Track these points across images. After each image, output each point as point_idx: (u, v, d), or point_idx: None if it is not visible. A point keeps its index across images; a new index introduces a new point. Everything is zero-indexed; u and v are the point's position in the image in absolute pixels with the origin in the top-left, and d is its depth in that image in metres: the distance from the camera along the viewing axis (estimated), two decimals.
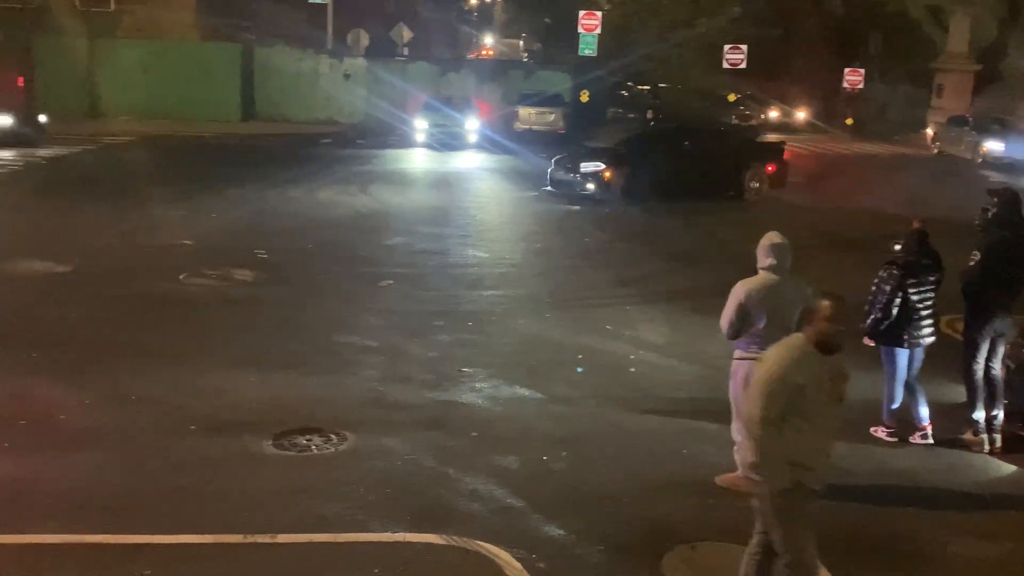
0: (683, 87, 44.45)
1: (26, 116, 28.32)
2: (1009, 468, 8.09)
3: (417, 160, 29.02)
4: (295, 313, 11.89)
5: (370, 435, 8.15)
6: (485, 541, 6.43)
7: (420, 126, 31.69)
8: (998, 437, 8.36)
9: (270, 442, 7.91)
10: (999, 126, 32.28)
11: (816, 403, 5.20)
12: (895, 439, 8.39)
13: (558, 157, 23.08)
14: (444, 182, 24.57)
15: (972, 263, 8.38)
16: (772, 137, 30.48)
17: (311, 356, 10.26)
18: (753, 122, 42.37)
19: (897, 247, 8.42)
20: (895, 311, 8.11)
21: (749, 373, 7.15)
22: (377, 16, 44.33)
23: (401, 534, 6.51)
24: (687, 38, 42.27)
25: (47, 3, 35.07)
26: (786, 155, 24.03)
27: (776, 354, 5.32)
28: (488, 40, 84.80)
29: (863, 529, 6.89)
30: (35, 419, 8.21)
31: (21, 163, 24.58)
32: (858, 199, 23.06)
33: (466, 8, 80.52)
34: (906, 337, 8.21)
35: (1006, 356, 8.46)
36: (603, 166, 21.46)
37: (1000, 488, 7.79)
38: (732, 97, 42.38)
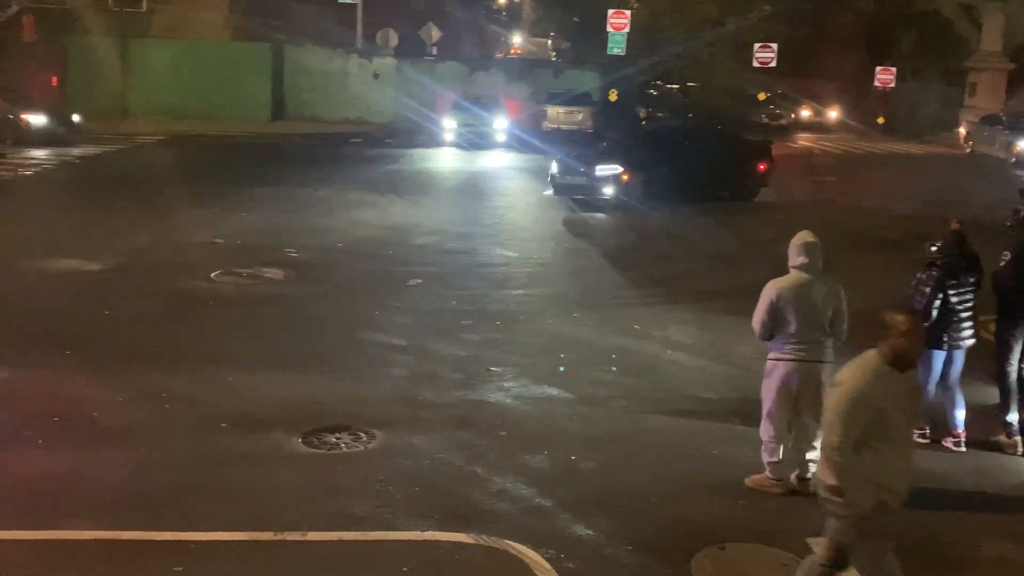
0: (713, 86, 44.27)
1: (60, 116, 28.68)
2: None
3: (446, 160, 29.08)
4: (325, 312, 11.95)
5: (399, 433, 8.17)
6: (514, 540, 6.43)
7: (449, 125, 31.76)
8: None
9: (300, 440, 7.96)
10: None
11: (896, 422, 5.07)
12: (927, 441, 8.31)
13: (560, 157, 21.88)
14: (472, 181, 24.60)
15: (1003, 263, 8.29)
16: (803, 137, 30.26)
17: (340, 354, 10.31)
18: (783, 121, 42.17)
19: (933, 248, 8.32)
20: (935, 313, 7.99)
21: (788, 375, 7.11)
22: (406, 16, 44.44)
23: (430, 533, 6.53)
24: (717, 37, 42.10)
25: (80, 4, 35.40)
26: (773, 153, 23.37)
27: (852, 376, 5.09)
28: (516, 39, 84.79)
29: (904, 531, 6.82)
30: (69, 416, 8.29)
31: (55, 162, 24.85)
32: (889, 198, 22.89)
33: (495, 7, 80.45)
34: (946, 339, 8.11)
35: None
36: (620, 168, 20.30)
37: None
38: (762, 96, 42.23)
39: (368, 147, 30.83)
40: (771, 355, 7.26)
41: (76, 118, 28.89)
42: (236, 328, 11.15)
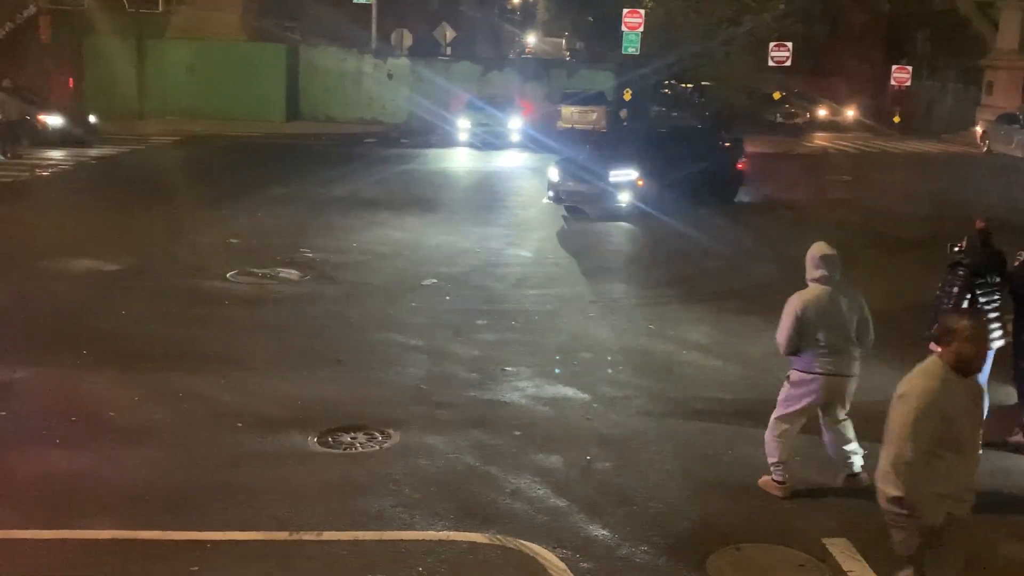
0: (728, 85, 44.18)
1: (77, 117, 28.83)
2: None
3: (460, 159, 29.10)
4: (340, 311, 11.98)
5: (414, 433, 8.18)
6: (529, 540, 6.43)
7: (463, 125, 31.78)
8: None
9: (316, 439, 7.98)
10: None
11: (964, 430, 4.91)
12: None
13: (560, 160, 20.33)
14: (487, 181, 24.61)
15: (1018, 263, 8.24)
16: (819, 137, 30.11)
17: (356, 354, 10.33)
18: (799, 120, 42.05)
19: (956, 249, 8.25)
20: None
21: (815, 389, 7.05)
22: (420, 16, 44.48)
23: (445, 532, 6.53)
24: (732, 36, 41.99)
25: (97, 5, 35.58)
26: (746, 150, 22.47)
27: (919, 384, 4.90)
28: (531, 39, 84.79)
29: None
30: (86, 416, 8.33)
31: (71, 163, 24.98)
32: (905, 199, 22.79)
33: (509, 7, 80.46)
34: None
35: None
36: (636, 173, 18.96)
37: None
38: (777, 95, 42.08)
39: (383, 147, 30.88)
40: (798, 366, 7.13)
41: (92, 119, 29.06)
42: (252, 328, 11.19)
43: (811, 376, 7.04)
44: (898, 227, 18.91)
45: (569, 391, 9.40)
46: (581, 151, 21.32)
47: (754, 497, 7.20)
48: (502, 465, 7.64)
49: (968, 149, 35.66)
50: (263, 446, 7.90)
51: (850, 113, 45.47)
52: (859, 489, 7.04)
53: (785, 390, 7.26)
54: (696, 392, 9.52)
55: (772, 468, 7.27)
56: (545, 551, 6.30)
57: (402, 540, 6.45)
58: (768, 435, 7.29)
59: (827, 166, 30.69)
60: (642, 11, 38.76)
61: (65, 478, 7.16)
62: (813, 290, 7.05)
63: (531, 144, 30.61)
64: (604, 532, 6.62)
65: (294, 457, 7.71)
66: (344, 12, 40.33)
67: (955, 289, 7.93)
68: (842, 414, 7.21)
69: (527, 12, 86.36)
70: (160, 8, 37.70)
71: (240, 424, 8.29)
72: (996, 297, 8.12)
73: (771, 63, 39.72)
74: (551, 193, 19.54)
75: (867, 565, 6.21)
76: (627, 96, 36.97)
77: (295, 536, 6.43)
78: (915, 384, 4.92)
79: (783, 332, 7.03)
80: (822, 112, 45.37)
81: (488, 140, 30.90)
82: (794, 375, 7.18)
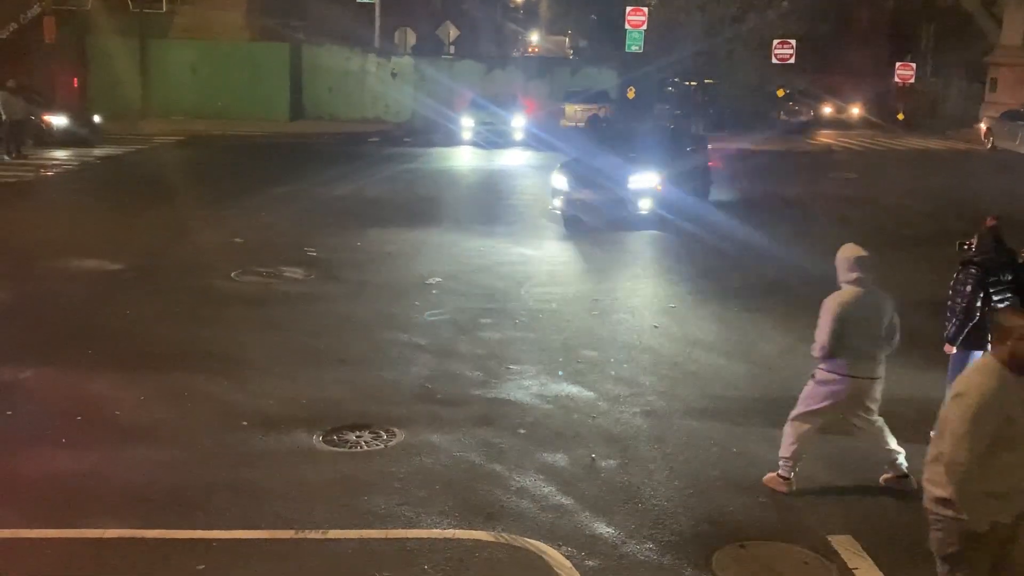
0: (732, 83, 44.12)
1: (81, 117, 28.88)
2: None
3: (464, 158, 29.10)
4: (344, 310, 11.98)
5: (419, 432, 8.19)
6: (534, 538, 6.43)
7: (467, 124, 31.79)
8: None
9: (321, 438, 7.98)
10: None
11: (1021, 429, 4.73)
12: None
13: (564, 163, 18.99)
14: (491, 180, 24.61)
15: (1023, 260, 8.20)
16: (824, 134, 30.07)
17: (360, 353, 10.34)
18: (803, 117, 42.02)
19: (965, 247, 8.20)
20: (978, 313, 7.78)
21: (842, 391, 7.02)
22: (424, 15, 44.52)
23: (450, 531, 6.54)
24: (736, 33, 41.96)
25: (100, 5, 35.63)
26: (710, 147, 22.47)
27: (975, 383, 4.77)
28: (534, 37, 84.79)
29: (925, 529, 6.78)
30: (91, 415, 8.35)
31: (76, 163, 25.02)
32: (910, 196, 22.74)
33: (512, 6, 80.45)
34: (989, 340, 7.97)
35: None
36: (657, 178, 17.97)
37: None
38: (781, 92, 42.02)
39: (386, 146, 30.90)
40: (826, 367, 7.08)
41: (97, 119, 29.10)
42: (256, 327, 11.19)
43: (838, 377, 7.02)
44: (902, 224, 18.87)
45: (574, 389, 9.40)
46: (593, 153, 19.86)
47: (759, 494, 7.19)
48: (507, 463, 7.64)
49: (972, 146, 35.61)
50: (268, 445, 7.90)
51: (855, 110, 45.44)
52: (907, 491, 7.03)
53: (809, 387, 7.23)
54: (702, 389, 9.50)
55: (781, 462, 7.25)
56: (550, 549, 6.31)
57: (407, 538, 6.45)
58: (787, 429, 7.26)
59: (832, 163, 30.65)
60: (645, 9, 38.72)
61: (70, 477, 7.17)
62: (850, 292, 6.99)
63: (534, 142, 30.62)
64: (609, 530, 6.62)
65: (299, 456, 7.71)
66: (347, 11, 40.38)
67: (968, 288, 7.83)
68: (874, 415, 7.19)
69: (530, 10, 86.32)
70: (164, 8, 37.73)
71: (245, 423, 8.29)
72: (1009, 295, 8.06)
73: (775, 60, 39.67)
74: (558, 203, 18.22)
75: (872, 562, 6.21)
76: (631, 94, 36.95)
77: (300, 535, 6.43)
78: (973, 383, 4.80)
79: (822, 335, 6.96)
80: (827, 109, 45.33)
81: (491, 139, 30.91)
82: (820, 374, 7.15)
